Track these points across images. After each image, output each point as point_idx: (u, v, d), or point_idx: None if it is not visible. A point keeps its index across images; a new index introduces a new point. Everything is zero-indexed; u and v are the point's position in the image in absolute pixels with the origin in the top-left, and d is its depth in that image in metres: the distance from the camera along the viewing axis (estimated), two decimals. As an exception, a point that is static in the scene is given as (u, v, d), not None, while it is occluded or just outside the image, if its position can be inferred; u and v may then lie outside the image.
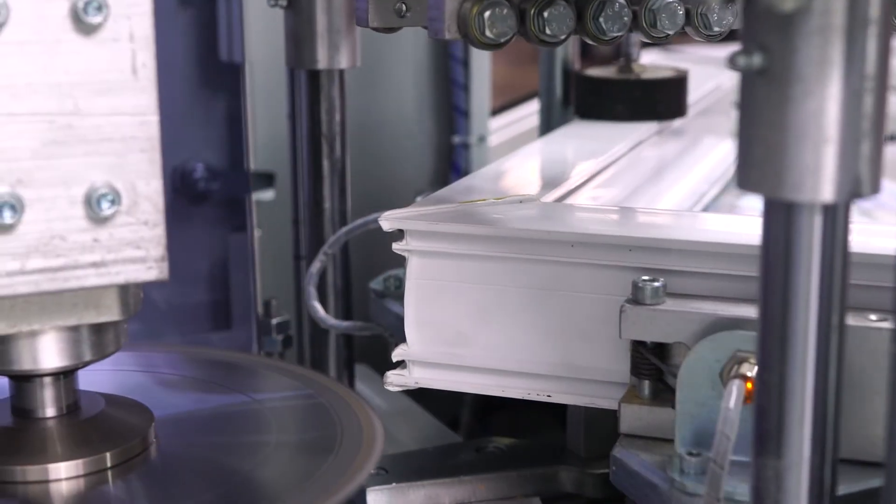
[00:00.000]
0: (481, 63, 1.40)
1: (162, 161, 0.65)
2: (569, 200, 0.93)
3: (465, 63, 1.38)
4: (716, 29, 0.83)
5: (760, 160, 0.52)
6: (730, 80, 1.50)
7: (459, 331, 0.82)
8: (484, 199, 0.86)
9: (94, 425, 0.74)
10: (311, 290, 0.97)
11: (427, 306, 0.83)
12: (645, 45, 1.31)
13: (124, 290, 0.68)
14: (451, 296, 0.82)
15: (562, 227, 0.80)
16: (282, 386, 0.88)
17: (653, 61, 1.43)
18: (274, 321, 1.14)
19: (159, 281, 0.66)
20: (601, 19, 0.79)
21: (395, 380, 0.84)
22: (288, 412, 0.84)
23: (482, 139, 1.41)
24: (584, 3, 0.79)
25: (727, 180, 1.33)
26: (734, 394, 0.66)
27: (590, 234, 0.78)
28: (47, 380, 0.72)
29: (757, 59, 0.51)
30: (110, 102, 0.63)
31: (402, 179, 1.36)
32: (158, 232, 0.65)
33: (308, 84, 1.04)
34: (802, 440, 0.55)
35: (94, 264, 0.64)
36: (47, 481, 0.70)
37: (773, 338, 0.54)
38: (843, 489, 0.63)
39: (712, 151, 1.37)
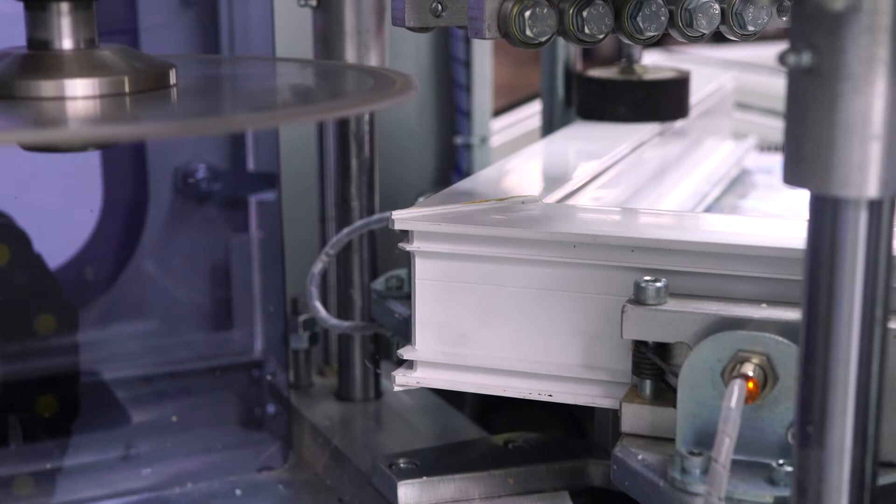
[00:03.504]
0: (483, 64, 1.39)
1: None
2: (571, 201, 0.94)
3: (467, 64, 1.38)
4: (750, 28, 0.83)
5: (808, 157, 0.53)
6: (731, 81, 1.50)
7: (461, 331, 0.82)
8: (486, 200, 0.86)
9: (113, 57, 0.70)
10: (313, 291, 0.97)
11: (430, 306, 0.83)
12: (647, 46, 1.31)
13: None
14: (453, 296, 0.82)
15: (564, 228, 0.80)
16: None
17: (654, 62, 1.43)
18: (300, 318, 1.14)
19: None
20: (638, 19, 0.79)
21: (401, 380, 0.84)
22: (313, 72, 0.83)
23: (484, 140, 1.41)
24: (621, 2, 0.79)
25: (729, 181, 1.33)
26: (735, 393, 0.66)
27: (592, 235, 0.78)
28: (64, 7, 0.68)
29: (806, 58, 0.52)
30: None
31: (404, 180, 1.36)
32: None
33: None
34: (845, 431, 0.55)
35: None
36: (63, 98, 0.67)
37: (817, 329, 0.55)
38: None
39: (714, 152, 1.37)
